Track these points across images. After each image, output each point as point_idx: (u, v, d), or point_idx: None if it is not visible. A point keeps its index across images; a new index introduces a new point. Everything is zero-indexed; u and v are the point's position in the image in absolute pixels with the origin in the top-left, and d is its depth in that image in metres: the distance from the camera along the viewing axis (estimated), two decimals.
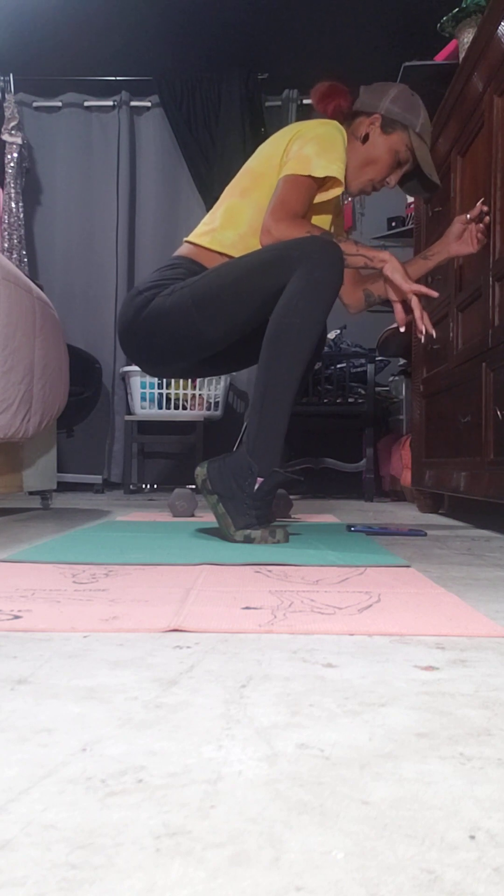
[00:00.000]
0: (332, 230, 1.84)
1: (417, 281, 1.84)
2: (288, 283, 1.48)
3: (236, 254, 1.66)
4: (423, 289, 1.57)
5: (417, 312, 1.58)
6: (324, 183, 1.63)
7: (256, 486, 1.47)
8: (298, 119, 3.88)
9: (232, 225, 1.70)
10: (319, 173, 1.58)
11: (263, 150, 1.73)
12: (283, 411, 1.49)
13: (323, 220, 1.75)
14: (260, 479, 1.47)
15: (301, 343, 1.47)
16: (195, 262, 1.71)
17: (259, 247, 1.62)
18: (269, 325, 1.49)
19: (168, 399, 3.65)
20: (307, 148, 1.60)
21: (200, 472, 1.51)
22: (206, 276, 1.62)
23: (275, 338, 1.48)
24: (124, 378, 3.79)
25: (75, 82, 4.04)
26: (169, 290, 1.64)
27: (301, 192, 1.59)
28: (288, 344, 1.47)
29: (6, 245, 3.90)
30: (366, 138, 1.73)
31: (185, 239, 1.78)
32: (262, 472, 1.47)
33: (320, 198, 1.65)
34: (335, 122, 1.67)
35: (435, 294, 1.60)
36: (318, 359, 1.99)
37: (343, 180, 1.63)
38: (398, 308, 1.63)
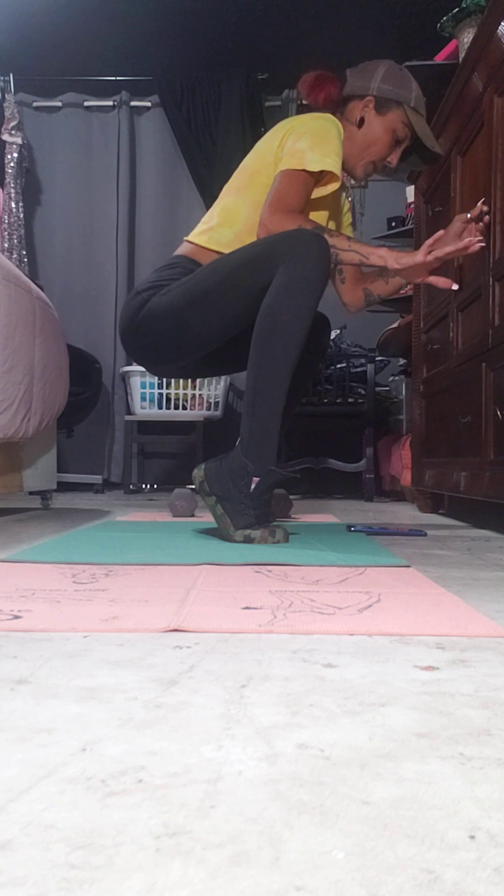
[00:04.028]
0: (333, 226, 1.84)
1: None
2: (274, 279, 1.48)
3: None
4: (434, 253, 1.55)
5: (451, 252, 1.53)
6: (320, 178, 1.63)
7: (253, 486, 1.46)
8: None
9: (228, 223, 1.71)
10: (314, 167, 1.57)
11: (258, 147, 1.74)
12: (274, 409, 1.48)
13: (320, 216, 1.75)
14: (256, 479, 1.46)
15: (289, 339, 1.46)
16: (193, 260, 1.72)
17: None
18: (256, 323, 1.49)
19: (168, 399, 3.65)
20: (301, 142, 1.60)
21: (198, 473, 1.50)
22: (196, 274, 1.62)
23: (262, 335, 1.47)
24: (124, 378, 3.79)
25: (75, 82, 4.04)
26: (164, 290, 1.64)
27: (297, 187, 1.58)
28: (276, 341, 1.46)
29: (6, 245, 3.90)
30: (361, 122, 1.73)
31: (185, 238, 1.79)
32: (258, 471, 1.46)
33: (318, 192, 1.65)
34: (329, 115, 1.67)
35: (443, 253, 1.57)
36: (321, 360, 1.99)
37: (339, 174, 1.62)
38: (436, 280, 1.59)
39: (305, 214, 1.67)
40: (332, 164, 1.59)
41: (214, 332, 1.62)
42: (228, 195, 1.74)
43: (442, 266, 2.02)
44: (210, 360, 1.82)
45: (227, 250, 1.68)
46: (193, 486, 1.53)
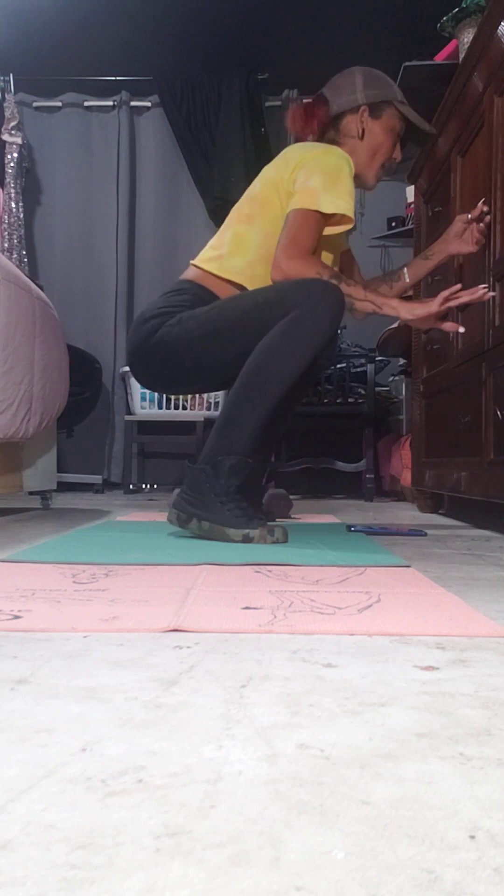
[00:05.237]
0: (339, 264, 1.85)
1: (416, 280, 1.89)
2: (279, 323, 1.49)
3: (243, 280, 1.68)
4: (448, 303, 1.60)
5: (465, 300, 1.60)
6: (332, 217, 1.62)
7: (216, 483, 1.50)
8: None
9: (239, 252, 1.70)
10: (327, 209, 1.57)
11: (267, 174, 1.73)
12: (237, 443, 1.51)
13: (327, 258, 1.75)
14: (214, 478, 1.50)
15: (276, 385, 1.49)
16: (202, 287, 1.72)
17: (266, 274, 1.63)
18: (249, 358, 1.52)
19: (168, 399, 3.65)
20: (313, 180, 1.59)
21: (170, 513, 1.53)
22: (210, 310, 1.63)
23: (252, 373, 1.51)
24: (124, 378, 3.80)
25: (75, 82, 4.04)
26: (175, 320, 1.64)
27: (310, 227, 1.58)
28: (264, 383, 1.50)
29: (6, 245, 3.89)
30: (362, 133, 1.74)
31: (192, 262, 1.78)
32: (214, 470, 1.50)
33: (329, 231, 1.65)
34: (339, 151, 1.66)
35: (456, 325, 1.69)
36: (329, 362, 2.01)
37: (352, 217, 1.63)
38: (446, 326, 1.71)
39: (318, 254, 1.68)
40: (345, 206, 1.59)
41: (224, 367, 1.63)
42: (239, 223, 1.73)
43: (442, 265, 2.02)
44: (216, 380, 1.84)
45: (238, 279, 1.69)
46: None
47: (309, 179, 1.60)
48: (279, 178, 1.68)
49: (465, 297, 1.59)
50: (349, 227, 1.65)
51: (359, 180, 1.78)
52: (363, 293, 1.60)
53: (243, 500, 1.52)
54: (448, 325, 1.68)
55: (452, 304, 1.59)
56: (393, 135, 1.75)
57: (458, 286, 1.61)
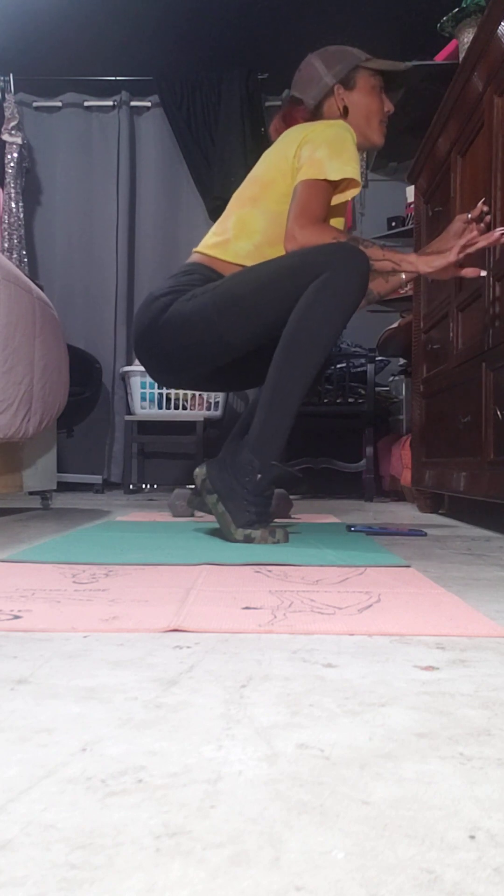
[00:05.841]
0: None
1: (412, 276, 1.86)
2: (309, 287, 1.48)
3: (252, 264, 1.66)
4: (466, 250, 1.55)
5: (482, 244, 1.54)
6: (339, 185, 1.63)
7: (256, 481, 1.47)
8: None
9: (246, 235, 1.69)
10: (335, 176, 1.58)
11: (269, 156, 1.73)
12: (290, 411, 1.49)
13: (337, 223, 1.75)
14: (259, 476, 1.47)
15: (317, 347, 1.47)
16: (211, 268, 1.70)
17: (275, 255, 1.62)
18: (286, 327, 1.49)
19: (168, 399, 3.65)
20: (319, 151, 1.60)
21: (200, 472, 1.51)
22: (227, 280, 1.61)
23: (291, 339, 1.47)
24: (124, 378, 3.80)
25: (75, 82, 4.04)
26: (188, 296, 1.62)
27: (320, 196, 1.58)
28: (303, 347, 1.47)
29: (6, 245, 3.89)
30: (345, 110, 1.75)
31: (196, 250, 1.77)
32: (262, 467, 1.47)
33: (337, 199, 1.65)
34: (341, 122, 1.67)
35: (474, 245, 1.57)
36: (328, 364, 2.00)
37: (359, 181, 1.63)
38: (468, 272, 1.60)
39: (327, 222, 1.67)
40: (352, 171, 1.59)
41: (242, 340, 1.60)
42: (242, 206, 1.72)
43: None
44: (217, 375, 1.82)
45: (246, 262, 1.67)
46: (193, 486, 1.53)
47: (315, 152, 1.60)
48: (283, 158, 1.68)
49: (483, 241, 1.55)
50: (357, 191, 1.66)
51: (365, 145, 1.79)
52: (381, 253, 1.58)
53: (268, 506, 1.51)
54: (469, 271, 1.61)
55: (470, 251, 1.56)
56: (375, 93, 1.76)
57: (474, 233, 1.55)
